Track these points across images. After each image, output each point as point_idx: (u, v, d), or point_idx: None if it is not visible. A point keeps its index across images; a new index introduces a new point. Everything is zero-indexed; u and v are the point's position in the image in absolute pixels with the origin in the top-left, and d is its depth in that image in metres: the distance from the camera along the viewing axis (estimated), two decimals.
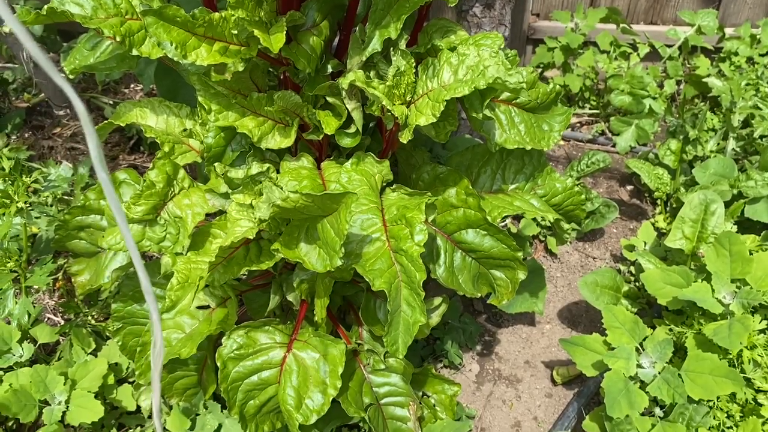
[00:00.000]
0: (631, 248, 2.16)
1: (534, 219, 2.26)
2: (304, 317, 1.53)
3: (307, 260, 1.22)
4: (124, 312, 1.61)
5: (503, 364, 1.99)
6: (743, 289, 1.65)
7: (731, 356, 1.64)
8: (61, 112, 2.64)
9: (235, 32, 1.17)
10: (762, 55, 2.74)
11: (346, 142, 1.31)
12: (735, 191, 2.10)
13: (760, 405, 1.60)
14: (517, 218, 2.33)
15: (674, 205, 2.35)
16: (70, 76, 1.41)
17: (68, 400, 1.58)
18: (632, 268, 2.21)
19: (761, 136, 2.41)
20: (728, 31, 2.85)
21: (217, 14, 1.16)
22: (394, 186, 1.34)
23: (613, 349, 1.63)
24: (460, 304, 2.07)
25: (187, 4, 1.41)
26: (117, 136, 2.65)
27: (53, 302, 2.03)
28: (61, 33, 2.89)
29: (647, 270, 1.82)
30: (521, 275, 1.41)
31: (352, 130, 1.31)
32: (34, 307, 1.78)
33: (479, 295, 1.44)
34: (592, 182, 2.60)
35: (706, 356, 1.55)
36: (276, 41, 1.12)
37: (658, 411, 1.61)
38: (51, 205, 2.09)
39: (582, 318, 2.12)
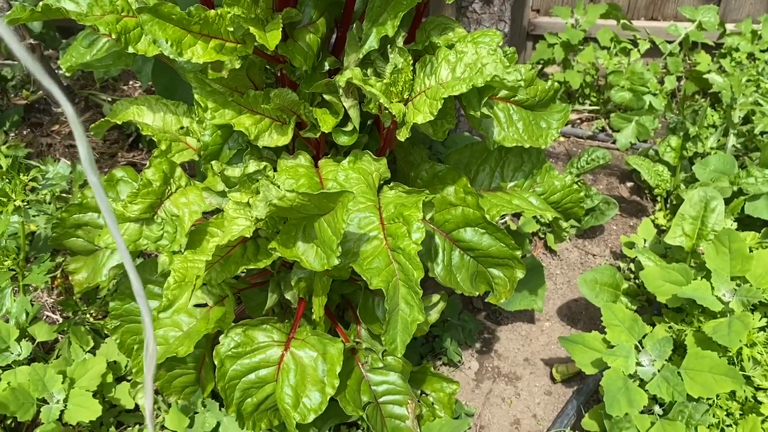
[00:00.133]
0: (630, 245, 2.15)
1: (534, 216, 2.26)
2: (302, 315, 1.52)
3: (304, 259, 1.21)
4: (122, 310, 1.61)
5: (502, 362, 1.99)
6: (743, 286, 1.65)
7: (731, 354, 1.63)
8: (60, 110, 2.63)
9: (231, 29, 1.17)
10: (763, 51, 2.72)
11: (343, 140, 1.31)
12: (735, 188, 2.09)
13: (760, 403, 1.60)
14: (517, 215, 2.33)
15: (674, 202, 2.34)
16: (67, 74, 1.41)
17: (66, 398, 1.58)
18: (632, 265, 2.21)
19: (762, 133, 2.40)
20: (729, 26, 2.84)
21: (212, 11, 1.15)
22: (391, 184, 1.33)
23: (612, 347, 1.63)
24: (459, 301, 2.06)
25: (185, 1, 1.40)
26: (116, 133, 2.64)
27: (52, 300, 2.02)
28: (60, 29, 2.88)
29: (647, 267, 1.82)
30: (519, 274, 1.40)
31: (349, 128, 1.31)
32: (32, 305, 1.78)
33: (477, 293, 1.43)
34: (592, 179, 2.59)
35: (706, 354, 1.55)
36: (272, 39, 1.11)
37: (657, 409, 1.61)
38: (49, 203, 2.09)
39: (581, 315, 2.12)
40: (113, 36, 1.20)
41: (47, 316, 1.99)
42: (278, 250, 1.23)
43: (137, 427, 1.74)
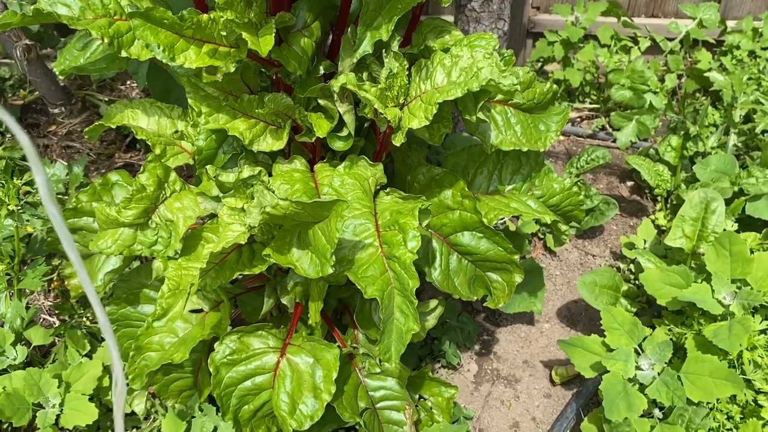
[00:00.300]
0: (630, 246, 2.14)
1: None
2: (299, 319, 1.51)
3: (299, 266, 1.20)
4: (118, 314, 1.60)
5: (502, 364, 1.98)
6: (743, 289, 1.63)
7: (731, 357, 1.62)
8: (56, 110, 2.62)
9: (224, 34, 1.15)
10: (764, 49, 2.70)
11: (339, 145, 1.29)
12: (736, 188, 2.07)
13: (761, 407, 1.59)
14: (516, 216, 2.31)
15: (675, 202, 2.32)
16: (61, 77, 1.39)
17: (62, 403, 1.57)
18: (632, 266, 2.19)
19: (763, 132, 2.38)
20: (730, 24, 2.82)
21: (205, 16, 1.14)
22: (388, 189, 1.32)
23: (611, 350, 1.62)
24: (458, 303, 2.05)
25: (181, 4, 1.38)
26: (113, 134, 2.62)
27: (49, 303, 2.01)
28: (58, 28, 2.86)
29: (646, 270, 1.80)
30: (518, 278, 1.39)
31: (345, 133, 1.29)
32: (28, 309, 1.76)
33: (475, 298, 1.42)
34: (592, 178, 2.58)
35: (706, 358, 1.54)
36: (264, 44, 1.10)
37: (657, 413, 1.59)
38: None
39: (581, 316, 2.10)
40: (106, 40, 1.19)
41: (44, 319, 1.98)
42: (273, 256, 1.21)
43: (134, 431, 1.73)
